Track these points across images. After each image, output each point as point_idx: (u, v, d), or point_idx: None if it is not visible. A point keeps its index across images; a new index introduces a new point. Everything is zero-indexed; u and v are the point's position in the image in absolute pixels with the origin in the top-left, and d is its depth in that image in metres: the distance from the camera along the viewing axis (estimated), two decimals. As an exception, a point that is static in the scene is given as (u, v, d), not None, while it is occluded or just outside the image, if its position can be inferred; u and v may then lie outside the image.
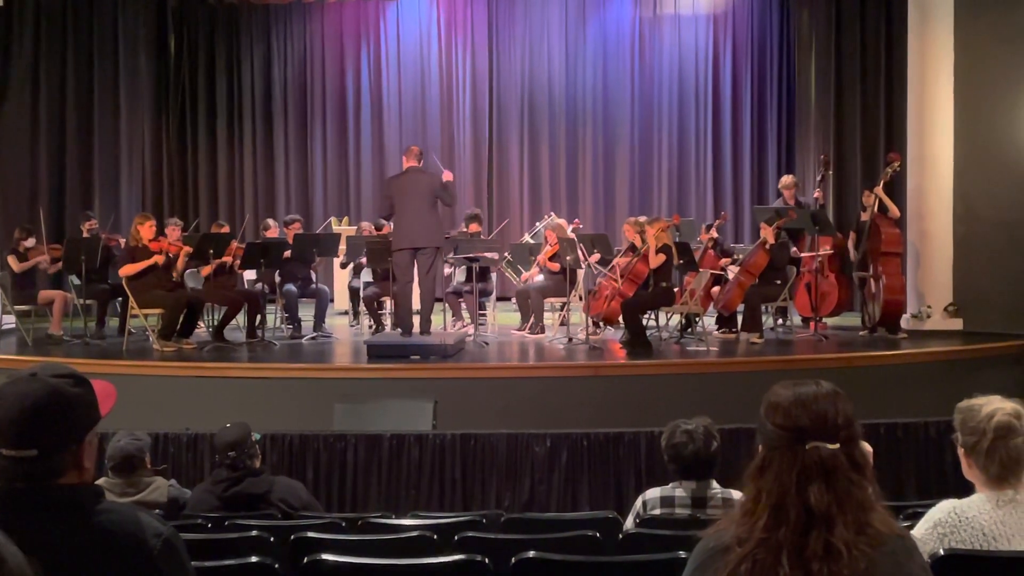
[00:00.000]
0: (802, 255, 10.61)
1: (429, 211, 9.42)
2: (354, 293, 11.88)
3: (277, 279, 10.94)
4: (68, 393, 2.09)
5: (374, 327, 11.03)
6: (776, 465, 1.99)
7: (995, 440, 2.87)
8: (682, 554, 2.84)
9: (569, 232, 11.06)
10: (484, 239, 11.60)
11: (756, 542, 1.93)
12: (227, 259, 10.38)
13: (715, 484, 4.29)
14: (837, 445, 1.97)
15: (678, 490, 4.30)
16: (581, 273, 10.90)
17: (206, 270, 10.41)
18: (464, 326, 11.12)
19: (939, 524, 2.85)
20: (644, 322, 10.11)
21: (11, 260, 10.54)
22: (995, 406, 2.93)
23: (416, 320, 9.62)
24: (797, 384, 2.07)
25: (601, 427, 7.59)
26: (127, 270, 9.66)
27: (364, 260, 11.43)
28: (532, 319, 10.91)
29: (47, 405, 2.05)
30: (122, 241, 10.91)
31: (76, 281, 10.62)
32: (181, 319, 9.75)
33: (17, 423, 2.03)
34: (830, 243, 10.57)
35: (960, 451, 2.99)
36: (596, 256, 10.80)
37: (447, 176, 9.75)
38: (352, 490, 7.48)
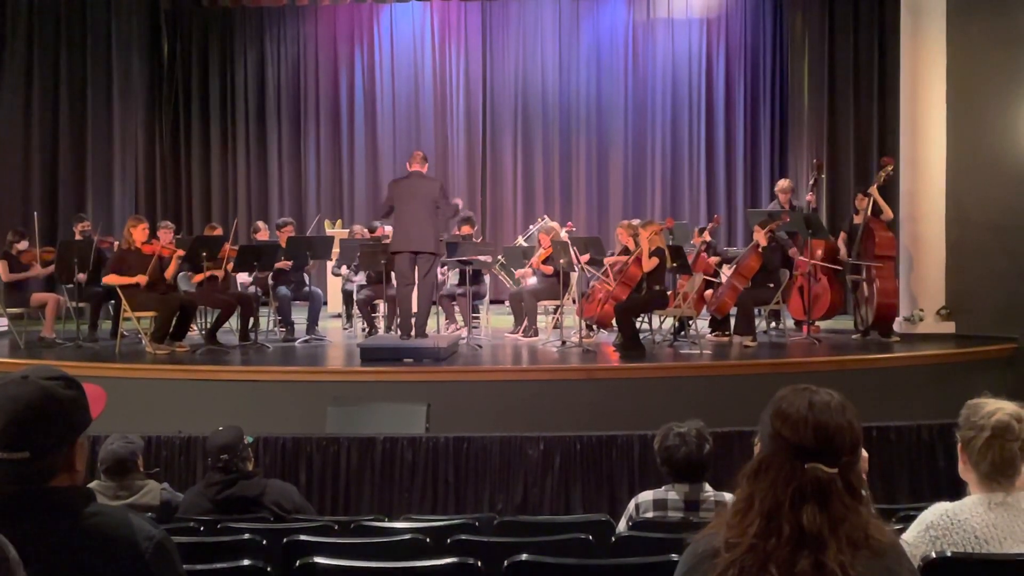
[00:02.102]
0: (797, 258, 10.61)
1: (429, 217, 9.45)
2: (347, 296, 11.87)
3: (270, 282, 10.93)
4: (60, 395, 2.09)
5: (367, 330, 11.03)
6: (772, 473, 1.97)
7: (991, 438, 2.87)
8: (675, 557, 2.84)
9: (563, 235, 11.06)
10: (477, 242, 11.60)
11: (745, 548, 1.92)
12: (219, 272, 10.37)
13: (708, 487, 4.29)
14: (836, 470, 1.95)
15: (671, 493, 4.30)
16: (574, 276, 10.91)
17: (197, 278, 10.41)
18: (457, 329, 11.12)
19: (931, 527, 2.85)
20: (637, 325, 10.11)
21: (1, 267, 10.49)
22: (999, 406, 2.94)
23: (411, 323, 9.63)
24: (811, 394, 2.02)
25: (594, 430, 7.59)
26: (111, 279, 9.65)
27: (353, 264, 11.43)
28: (525, 322, 10.91)
29: (39, 407, 2.05)
30: (115, 244, 10.89)
31: (69, 284, 10.59)
32: (174, 322, 9.73)
33: (9, 425, 2.03)
34: (823, 247, 10.59)
35: (959, 447, 2.99)
36: (587, 256, 10.80)
37: (456, 201, 9.83)
38: (345, 493, 7.47)
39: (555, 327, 10.80)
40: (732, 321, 10.37)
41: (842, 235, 10.75)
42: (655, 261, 9.62)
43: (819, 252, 10.54)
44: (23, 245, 10.73)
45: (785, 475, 1.95)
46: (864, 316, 10.50)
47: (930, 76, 10.72)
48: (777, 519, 1.92)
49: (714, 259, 11.12)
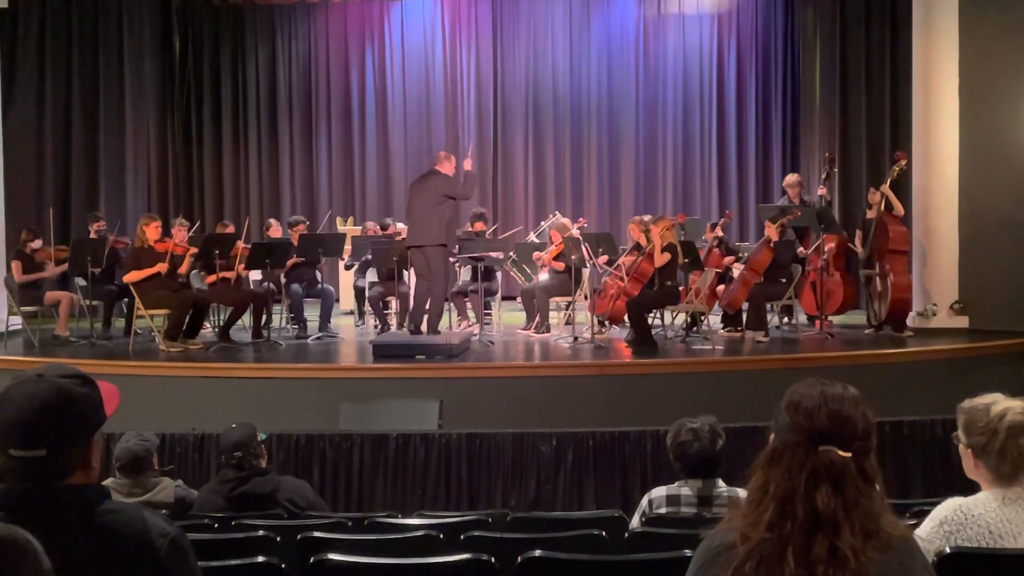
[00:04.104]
0: (807, 254, 10.57)
1: (432, 211, 9.42)
2: (359, 293, 11.89)
3: (282, 279, 10.96)
4: (75, 393, 2.10)
5: (379, 327, 11.04)
6: (787, 460, 1.99)
7: (1007, 440, 2.86)
8: (688, 552, 2.83)
9: (574, 231, 11.05)
10: (489, 239, 11.60)
11: (761, 538, 1.93)
12: (230, 275, 10.38)
13: (721, 483, 4.29)
14: (849, 454, 1.97)
15: (684, 489, 4.30)
16: (586, 272, 10.90)
17: (210, 279, 10.45)
18: (469, 325, 11.13)
19: (945, 522, 2.85)
20: (649, 321, 10.10)
21: (15, 267, 10.53)
22: (1004, 405, 2.92)
23: (424, 319, 9.63)
24: (824, 385, 2.05)
25: (607, 426, 7.59)
26: (132, 276, 9.68)
27: (363, 259, 11.47)
28: (537, 318, 10.90)
29: (55, 405, 2.06)
30: (129, 243, 10.93)
31: (82, 282, 10.64)
32: (187, 319, 9.77)
33: (26, 423, 2.04)
34: (835, 241, 10.56)
35: (966, 452, 2.98)
36: (604, 258, 10.80)
37: (465, 165, 9.79)
38: (358, 490, 7.49)
39: (567, 323, 10.80)
40: (744, 316, 10.35)
41: (858, 234, 10.68)
42: (667, 257, 9.60)
43: (831, 247, 10.50)
44: (37, 244, 10.76)
45: (799, 460, 1.97)
46: (877, 311, 10.46)
47: (942, 70, 10.69)
48: (792, 503, 1.94)
49: (729, 258, 11.07)
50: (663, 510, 4.28)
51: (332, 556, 3.32)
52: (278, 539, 3.78)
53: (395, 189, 15.51)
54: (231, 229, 11.27)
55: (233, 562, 3.25)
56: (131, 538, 2.08)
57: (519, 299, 11.82)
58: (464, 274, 11.60)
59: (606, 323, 10.69)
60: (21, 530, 1.65)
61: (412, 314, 9.69)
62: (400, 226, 11.77)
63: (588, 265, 10.48)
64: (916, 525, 2.91)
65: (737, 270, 10.72)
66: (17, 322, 10.79)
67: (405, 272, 10.50)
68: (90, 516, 2.08)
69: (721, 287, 10.76)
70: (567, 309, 11.05)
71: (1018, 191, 10.28)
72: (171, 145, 15.49)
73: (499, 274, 11.82)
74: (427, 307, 9.63)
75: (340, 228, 13.63)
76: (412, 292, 9.98)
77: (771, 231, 10.19)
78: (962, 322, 10.50)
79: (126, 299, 10.52)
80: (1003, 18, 10.46)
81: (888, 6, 12.72)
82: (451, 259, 10.31)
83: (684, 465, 4.31)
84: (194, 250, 10.04)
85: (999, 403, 2.94)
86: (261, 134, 15.79)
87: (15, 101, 13.17)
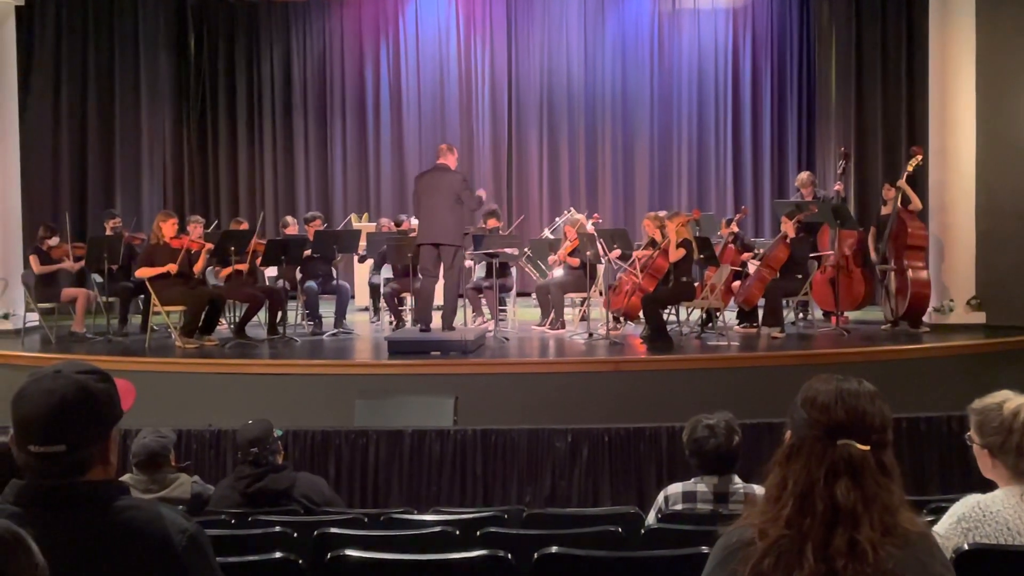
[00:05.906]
0: (822, 255, 10.53)
1: (449, 209, 9.44)
2: (374, 289, 11.91)
3: (298, 276, 10.98)
4: (94, 389, 2.11)
5: (394, 323, 11.05)
6: (805, 455, 1.99)
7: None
8: (704, 549, 2.84)
9: (589, 227, 11.04)
10: (503, 235, 11.60)
11: (780, 534, 1.93)
12: (243, 267, 10.42)
13: (737, 479, 4.28)
14: (868, 447, 1.97)
15: (700, 485, 4.29)
16: (601, 268, 10.89)
17: (223, 272, 10.48)
18: (484, 322, 11.13)
19: (963, 519, 2.84)
20: (664, 317, 10.09)
21: (33, 260, 10.60)
22: (1017, 403, 2.93)
23: (437, 315, 9.64)
24: (840, 380, 2.06)
25: (622, 422, 7.59)
26: (143, 272, 9.73)
27: (377, 254, 11.49)
28: (552, 314, 10.90)
29: (74, 401, 2.07)
30: (145, 239, 10.97)
31: (99, 279, 10.69)
32: (203, 316, 9.80)
33: (45, 419, 2.05)
34: (853, 237, 10.50)
35: (982, 452, 2.97)
36: (616, 252, 10.79)
37: (480, 193, 9.96)
38: (374, 486, 7.51)
39: (582, 319, 10.79)
40: (760, 312, 10.32)
41: (872, 230, 10.63)
42: (682, 252, 9.60)
43: (850, 242, 10.44)
44: (54, 241, 10.82)
45: (818, 455, 1.98)
46: (894, 307, 10.42)
47: (959, 64, 10.62)
48: (811, 498, 1.94)
49: (745, 254, 11.03)
50: (679, 507, 4.28)
51: (349, 552, 3.32)
52: (295, 535, 3.79)
53: (409, 186, 15.40)
54: (245, 226, 11.30)
55: (251, 558, 3.27)
56: (150, 534, 2.09)
57: (534, 295, 11.81)
58: (479, 270, 11.60)
59: (621, 319, 10.68)
60: (11, 525, 1.65)
61: (423, 312, 9.69)
62: (414, 222, 11.78)
63: (603, 261, 10.47)
64: (934, 522, 2.91)
65: (753, 266, 10.69)
66: (34, 319, 10.85)
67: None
68: (109, 512, 2.09)
69: (737, 283, 10.74)
70: (582, 305, 11.04)
71: (1036, 186, 10.23)
72: (186, 142, 15.53)
73: (514, 270, 11.81)
74: (434, 303, 9.64)
75: (355, 224, 13.64)
76: (420, 289, 9.99)
77: (787, 227, 10.16)
78: (979, 318, 10.44)
79: (142, 296, 10.56)
80: (1020, 11, 10.39)
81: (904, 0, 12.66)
82: (466, 256, 10.33)
83: (700, 461, 4.30)
84: (210, 246, 10.07)
85: (1010, 401, 2.94)
86: (276, 131, 15.81)
87: (32, 99, 13.23)
